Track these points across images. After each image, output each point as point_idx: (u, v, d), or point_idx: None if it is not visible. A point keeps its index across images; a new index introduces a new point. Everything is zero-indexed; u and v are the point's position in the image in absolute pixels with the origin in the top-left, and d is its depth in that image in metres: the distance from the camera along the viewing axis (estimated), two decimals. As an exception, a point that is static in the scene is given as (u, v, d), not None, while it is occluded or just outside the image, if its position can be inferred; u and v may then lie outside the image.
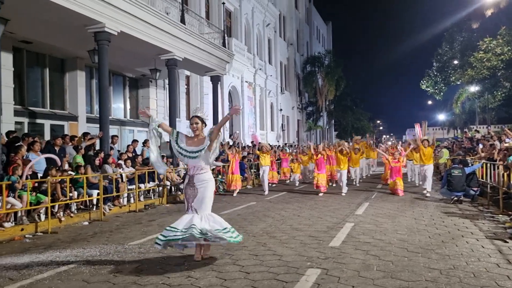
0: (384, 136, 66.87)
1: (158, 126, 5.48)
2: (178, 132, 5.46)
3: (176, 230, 5.15)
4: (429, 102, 61.21)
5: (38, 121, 13.12)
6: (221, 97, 22.11)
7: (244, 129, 27.33)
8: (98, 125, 14.51)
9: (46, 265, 5.52)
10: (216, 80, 18.77)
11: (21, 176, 7.99)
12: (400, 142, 25.18)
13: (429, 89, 43.42)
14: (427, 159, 12.79)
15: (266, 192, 13.82)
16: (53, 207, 8.71)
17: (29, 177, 8.39)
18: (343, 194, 12.92)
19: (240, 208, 10.65)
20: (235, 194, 13.61)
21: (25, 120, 12.72)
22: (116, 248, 6.47)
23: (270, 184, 15.71)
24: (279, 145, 26.61)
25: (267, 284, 4.39)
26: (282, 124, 35.54)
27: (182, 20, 14.72)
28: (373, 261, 5.22)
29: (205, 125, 5.47)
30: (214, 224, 5.25)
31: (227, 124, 24.77)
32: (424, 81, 43.33)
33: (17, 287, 4.64)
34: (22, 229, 7.96)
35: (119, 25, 11.59)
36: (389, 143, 27.29)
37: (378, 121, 56.65)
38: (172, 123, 14.61)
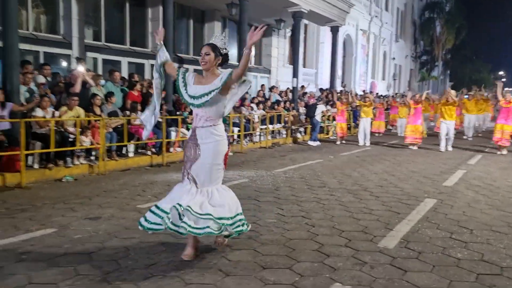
0: (506, 88, 61.41)
1: (163, 65, 3.93)
2: (186, 71, 3.85)
3: (161, 214, 3.58)
4: None
5: (185, 66, 15.48)
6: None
7: (355, 77, 27.94)
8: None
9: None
10: (335, 30, 19.64)
11: (190, 112, 10.22)
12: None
13: None
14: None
15: (360, 143, 13.54)
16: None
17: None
18: (449, 149, 12.29)
19: (357, 152, 12.07)
20: (338, 142, 14.01)
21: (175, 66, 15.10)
22: (266, 173, 8.35)
23: (377, 134, 16.48)
24: (387, 95, 26.86)
25: (395, 205, 5.85)
26: (394, 74, 35.16)
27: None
28: (482, 198, 6.38)
29: (224, 59, 3.71)
30: (219, 209, 3.59)
31: (339, 72, 25.62)
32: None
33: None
34: (188, 154, 10.29)
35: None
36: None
37: (501, 73, 52.10)
38: (296, 72, 16.11)
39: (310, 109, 14.50)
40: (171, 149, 9.82)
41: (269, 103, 14.28)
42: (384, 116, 18.01)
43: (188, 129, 10.32)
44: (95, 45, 12.39)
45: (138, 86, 9.67)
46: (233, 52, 19.06)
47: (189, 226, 3.45)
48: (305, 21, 21.46)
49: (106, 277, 3.30)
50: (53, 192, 6.37)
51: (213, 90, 3.52)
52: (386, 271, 3.55)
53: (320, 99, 15.71)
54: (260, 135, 13.31)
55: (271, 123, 13.69)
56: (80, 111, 7.95)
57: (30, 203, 5.67)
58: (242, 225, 3.75)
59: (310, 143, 13.63)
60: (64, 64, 11.53)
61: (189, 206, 3.48)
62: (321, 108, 14.36)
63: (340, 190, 6.78)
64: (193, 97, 3.62)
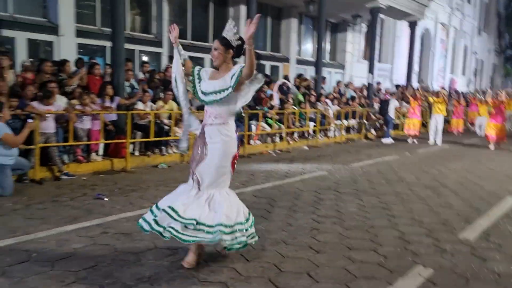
0: None
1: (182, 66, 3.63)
2: (200, 69, 3.59)
3: (156, 214, 3.42)
4: None
5: (262, 62, 16.10)
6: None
7: (433, 73, 27.05)
8: (305, 67, 17.00)
9: (295, 174, 8.05)
10: (413, 25, 19.27)
11: (272, 107, 10.77)
12: None
13: None
14: None
15: (430, 141, 13.17)
16: (284, 133, 11.44)
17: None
18: None
19: (433, 150, 11.97)
20: (409, 140, 13.49)
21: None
22: (343, 166, 8.68)
23: (456, 133, 16.03)
24: (467, 92, 25.73)
25: (475, 202, 5.96)
26: (475, 69, 33.46)
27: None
28: None
29: (238, 52, 3.45)
30: (216, 215, 3.30)
31: (416, 67, 24.95)
32: None
33: (292, 180, 7.17)
34: (266, 146, 10.86)
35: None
36: None
37: None
38: (371, 68, 16.13)
39: (383, 106, 14.48)
40: (251, 141, 10.44)
41: (344, 99, 14.48)
42: (463, 114, 17.42)
43: (268, 123, 10.90)
44: (182, 43, 13.30)
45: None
46: (308, 47, 19.45)
47: (176, 231, 3.25)
48: (381, 15, 21.25)
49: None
50: (154, 176, 7.20)
51: (224, 90, 3.30)
52: (466, 259, 3.82)
53: (393, 94, 15.55)
54: (334, 131, 13.59)
55: (346, 118, 13.90)
56: (174, 104, 8.76)
57: (137, 184, 6.51)
58: (244, 236, 3.35)
59: (383, 140, 13.63)
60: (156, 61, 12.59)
61: (177, 209, 3.27)
62: (394, 104, 14.25)
63: (418, 185, 6.97)
64: (204, 93, 3.40)
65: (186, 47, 12.91)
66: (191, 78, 3.55)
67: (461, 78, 31.61)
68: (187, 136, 3.79)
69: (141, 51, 12.27)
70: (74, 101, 7.24)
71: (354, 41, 20.90)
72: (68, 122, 6.86)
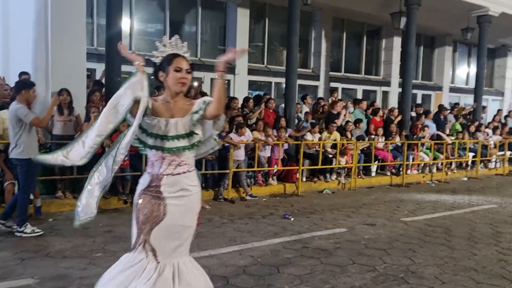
0: None
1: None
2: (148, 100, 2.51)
3: None
4: None
5: (414, 91, 16.06)
6: None
7: None
8: (459, 95, 16.49)
9: (462, 205, 8.00)
10: None
11: (423, 137, 10.84)
12: None
13: None
14: None
15: None
16: (441, 163, 11.30)
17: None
18: None
19: None
20: None
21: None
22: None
23: None
24: None
25: None
26: None
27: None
28: None
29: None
30: None
31: None
32: None
33: (462, 212, 7.22)
34: (424, 176, 10.87)
35: (499, 6, 12.88)
36: None
37: None
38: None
39: None
40: (408, 171, 10.59)
41: (507, 128, 13.65)
42: None
43: (425, 153, 10.93)
44: (336, 76, 14.16)
45: (380, 113, 10.81)
46: (461, 75, 18.72)
47: None
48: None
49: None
50: (323, 201, 7.92)
51: (195, 133, 2.55)
52: None
53: None
54: (496, 162, 12.88)
55: (510, 149, 13.07)
56: (337, 135, 9.47)
57: (311, 207, 7.28)
58: None
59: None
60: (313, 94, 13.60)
61: None
62: None
63: None
64: (167, 138, 2.51)
65: (340, 79, 13.80)
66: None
67: None
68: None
69: (300, 85, 13.38)
70: (256, 133, 8.40)
71: (515, 66, 19.47)
72: (254, 150, 8.01)
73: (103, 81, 7.95)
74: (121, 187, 6.81)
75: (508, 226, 6.18)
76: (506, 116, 15.10)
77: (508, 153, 13.09)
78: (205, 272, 2.70)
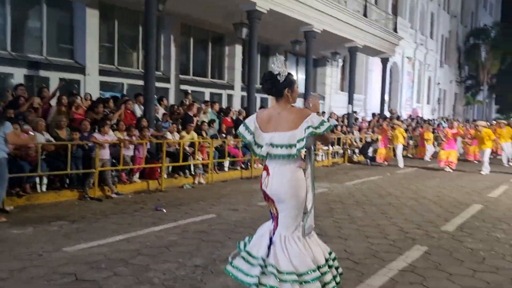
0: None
1: None
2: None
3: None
4: None
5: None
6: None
7: (401, 102, 29.52)
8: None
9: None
10: (385, 61, 21.56)
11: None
12: None
13: None
14: None
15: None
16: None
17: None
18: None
19: (409, 171, 13.84)
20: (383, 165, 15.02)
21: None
22: (339, 185, 10.29)
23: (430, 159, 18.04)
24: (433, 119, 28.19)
25: (450, 207, 7.66)
26: (438, 98, 36.35)
27: (365, 14, 17.85)
28: (520, 205, 8.08)
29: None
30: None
31: (386, 97, 27.30)
32: None
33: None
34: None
35: (321, 24, 15.32)
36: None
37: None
38: (351, 99, 18.11)
39: (364, 147, 16.23)
40: (255, 165, 11.95)
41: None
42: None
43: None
44: (185, 79, 14.93)
45: (231, 114, 11.97)
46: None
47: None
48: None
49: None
50: (186, 195, 8.59)
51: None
52: (448, 241, 5.44)
53: (374, 141, 16.78)
54: (322, 155, 15.30)
55: (332, 145, 15.65)
56: (194, 134, 10.23)
57: (177, 200, 7.90)
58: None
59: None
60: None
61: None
62: (374, 146, 15.87)
63: (404, 197, 8.66)
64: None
65: (189, 82, 14.57)
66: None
67: (427, 106, 34.36)
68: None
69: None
70: (118, 133, 8.61)
71: (332, 75, 23.05)
72: (118, 150, 8.24)
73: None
74: None
75: (338, 204, 7.80)
76: (329, 118, 17.91)
77: (330, 147, 15.66)
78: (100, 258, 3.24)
